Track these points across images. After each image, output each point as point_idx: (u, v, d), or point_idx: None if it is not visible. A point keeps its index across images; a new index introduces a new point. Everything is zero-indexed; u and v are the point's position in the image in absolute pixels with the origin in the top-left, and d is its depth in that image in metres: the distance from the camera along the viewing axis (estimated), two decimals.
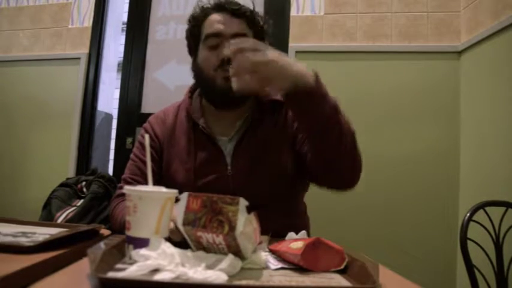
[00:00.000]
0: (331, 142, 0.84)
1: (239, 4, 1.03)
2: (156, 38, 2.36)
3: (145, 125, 1.11)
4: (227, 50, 0.93)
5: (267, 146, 1.01)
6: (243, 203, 0.54)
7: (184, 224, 0.55)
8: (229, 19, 1.01)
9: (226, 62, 0.95)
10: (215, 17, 1.02)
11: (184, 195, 0.57)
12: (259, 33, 1.05)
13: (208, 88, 1.03)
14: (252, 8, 1.05)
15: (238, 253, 0.55)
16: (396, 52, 2.04)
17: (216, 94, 1.00)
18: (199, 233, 0.54)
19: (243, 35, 1.00)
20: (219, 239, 0.53)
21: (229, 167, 1.00)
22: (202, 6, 1.04)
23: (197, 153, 1.01)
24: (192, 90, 1.13)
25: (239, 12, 1.01)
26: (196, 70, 1.05)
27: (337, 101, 0.85)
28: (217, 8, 1.03)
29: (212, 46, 1.00)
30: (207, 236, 0.54)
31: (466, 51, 1.93)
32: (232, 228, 0.52)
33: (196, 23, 1.05)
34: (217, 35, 1.00)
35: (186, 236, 0.57)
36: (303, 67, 0.79)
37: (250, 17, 1.03)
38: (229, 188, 0.96)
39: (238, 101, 1.02)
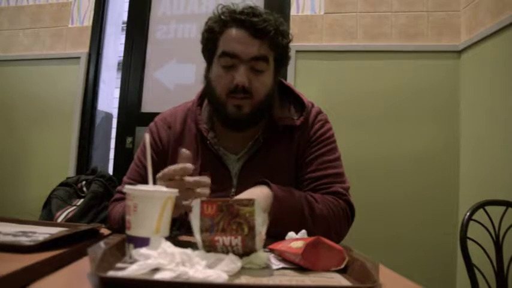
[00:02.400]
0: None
1: (263, 19, 0.91)
2: (156, 37, 2.36)
3: (151, 125, 1.07)
4: (242, 77, 0.90)
5: (275, 171, 0.96)
6: (258, 204, 0.55)
7: (202, 231, 0.55)
8: (249, 39, 0.91)
9: (240, 89, 0.90)
10: (234, 33, 0.92)
11: (197, 202, 0.57)
12: (281, 56, 0.97)
13: (219, 109, 0.97)
14: (278, 23, 0.93)
15: (251, 252, 0.56)
16: (396, 51, 2.04)
17: (227, 118, 0.96)
18: (217, 237, 0.55)
19: (263, 57, 0.92)
20: (237, 241, 0.54)
21: (233, 189, 0.97)
22: (221, 17, 0.94)
23: (203, 168, 0.98)
24: (202, 96, 1.05)
25: (261, 32, 0.90)
26: (209, 84, 0.98)
27: (299, 205, 0.87)
28: (238, 22, 0.92)
29: (227, 66, 0.93)
30: (224, 240, 0.55)
31: (466, 50, 1.93)
32: (252, 228, 0.54)
33: (212, 35, 0.95)
34: (233, 56, 0.91)
35: (199, 242, 0.57)
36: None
37: (274, 37, 0.92)
38: None
39: (249, 126, 0.98)
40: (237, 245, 0.55)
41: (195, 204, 0.57)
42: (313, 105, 1.06)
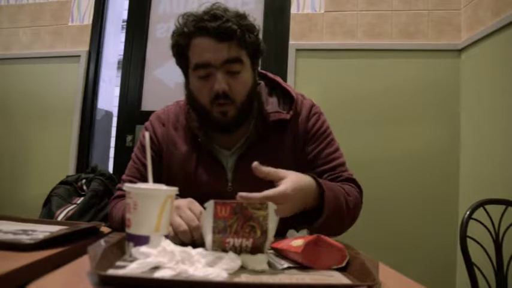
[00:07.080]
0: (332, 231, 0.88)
1: (226, 20, 0.89)
2: (156, 35, 2.36)
3: (147, 124, 1.08)
4: (220, 84, 0.89)
5: (270, 164, 0.93)
6: (271, 207, 0.56)
7: (214, 233, 0.56)
8: (217, 44, 0.89)
9: (221, 96, 0.90)
10: (200, 42, 0.91)
11: (211, 203, 0.57)
12: (253, 50, 0.95)
13: (205, 118, 0.96)
14: (240, 19, 0.91)
15: (259, 252, 0.57)
16: (397, 50, 2.04)
17: (214, 125, 0.96)
18: (228, 239, 0.56)
19: (236, 59, 0.91)
20: (248, 242, 0.55)
21: (230, 184, 0.97)
22: (184, 31, 0.93)
23: (197, 164, 0.99)
24: None
25: (227, 34, 0.89)
26: (190, 95, 0.98)
27: (341, 195, 0.88)
28: (201, 30, 0.90)
29: (203, 76, 0.92)
30: (235, 241, 0.55)
31: (466, 49, 1.93)
32: (264, 232, 0.55)
33: (180, 49, 0.95)
34: (206, 65, 0.90)
35: (209, 243, 0.57)
36: (306, 196, 0.80)
37: (240, 35, 0.90)
38: None
39: (237, 127, 0.97)
40: (247, 246, 0.56)
41: (208, 205, 0.57)
42: (304, 97, 1.06)
